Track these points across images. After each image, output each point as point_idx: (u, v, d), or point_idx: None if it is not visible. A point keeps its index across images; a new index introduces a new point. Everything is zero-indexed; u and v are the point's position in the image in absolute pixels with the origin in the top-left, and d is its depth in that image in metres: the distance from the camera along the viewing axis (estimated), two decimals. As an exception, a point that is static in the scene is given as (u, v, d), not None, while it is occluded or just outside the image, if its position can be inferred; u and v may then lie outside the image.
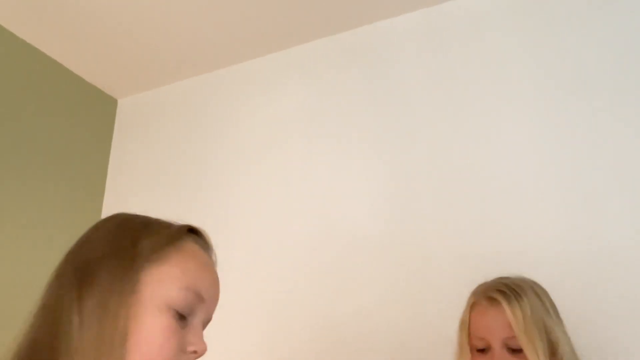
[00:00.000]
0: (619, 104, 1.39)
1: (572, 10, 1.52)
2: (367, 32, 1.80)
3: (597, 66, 1.44)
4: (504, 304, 0.93)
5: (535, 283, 1.01)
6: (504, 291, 0.96)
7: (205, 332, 0.65)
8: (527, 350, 0.89)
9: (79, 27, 1.81)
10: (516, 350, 0.92)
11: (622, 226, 1.29)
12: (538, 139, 1.45)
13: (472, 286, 1.36)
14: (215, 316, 0.67)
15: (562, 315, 0.99)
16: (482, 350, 0.96)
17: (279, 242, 1.68)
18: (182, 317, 0.59)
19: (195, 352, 0.60)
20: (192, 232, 0.68)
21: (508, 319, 0.92)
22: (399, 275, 1.47)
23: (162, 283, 0.59)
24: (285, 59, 1.92)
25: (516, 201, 1.41)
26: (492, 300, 0.97)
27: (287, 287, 1.61)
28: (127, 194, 2.01)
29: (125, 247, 0.61)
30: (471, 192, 1.47)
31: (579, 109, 1.43)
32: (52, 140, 1.88)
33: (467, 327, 1.00)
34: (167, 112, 2.09)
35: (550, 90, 1.48)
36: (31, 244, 1.73)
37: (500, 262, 1.35)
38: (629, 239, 1.27)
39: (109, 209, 2.01)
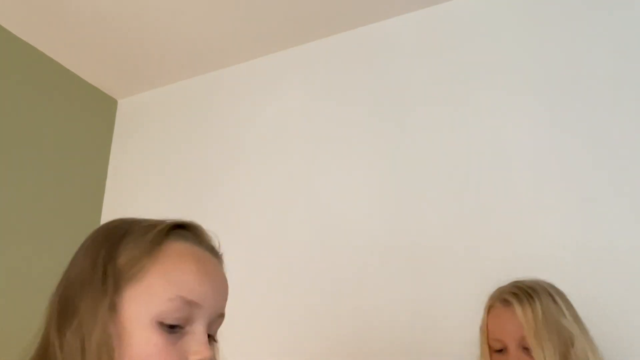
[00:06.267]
0: (619, 102, 1.39)
1: (571, 9, 1.52)
2: (367, 32, 1.80)
3: (597, 65, 1.44)
4: (516, 305, 0.98)
5: (550, 285, 1.04)
6: (516, 293, 1.00)
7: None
8: (535, 351, 0.93)
9: (79, 28, 1.81)
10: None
11: (624, 227, 1.29)
12: (539, 137, 1.45)
13: (477, 285, 1.36)
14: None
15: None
16: (500, 351, 1.00)
17: (281, 242, 1.67)
18: (177, 328, 0.55)
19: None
20: (180, 227, 0.62)
21: (520, 320, 0.96)
22: (403, 275, 1.47)
23: (144, 299, 0.55)
24: (286, 59, 1.92)
25: (519, 199, 1.41)
26: (505, 302, 1.01)
27: (289, 287, 1.61)
28: (127, 194, 2.01)
29: (100, 269, 0.55)
30: (473, 192, 1.47)
31: (579, 108, 1.43)
32: (52, 140, 1.88)
33: (486, 330, 1.03)
34: (167, 112, 2.08)
35: (550, 90, 1.48)
36: (31, 244, 1.73)
37: (505, 260, 1.35)
38: (631, 240, 1.27)
39: (109, 209, 2.01)
